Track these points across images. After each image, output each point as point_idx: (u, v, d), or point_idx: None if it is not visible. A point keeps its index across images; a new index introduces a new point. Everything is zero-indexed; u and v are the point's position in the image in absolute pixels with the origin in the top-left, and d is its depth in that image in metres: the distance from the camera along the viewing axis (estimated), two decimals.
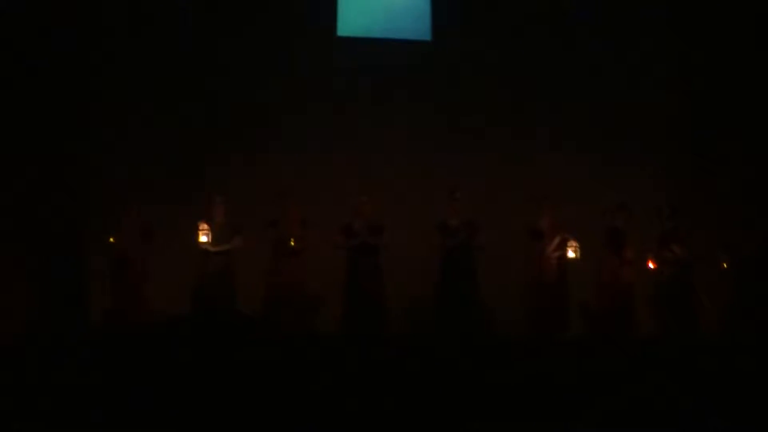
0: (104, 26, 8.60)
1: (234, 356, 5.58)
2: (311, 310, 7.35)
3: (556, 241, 7.51)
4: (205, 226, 7.18)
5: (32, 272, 7.11)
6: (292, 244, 7.36)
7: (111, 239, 7.20)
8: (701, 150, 9.08)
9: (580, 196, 8.26)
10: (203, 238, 7.15)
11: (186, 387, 5.31)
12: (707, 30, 9.08)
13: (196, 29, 8.76)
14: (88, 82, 8.51)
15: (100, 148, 8.41)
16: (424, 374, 5.65)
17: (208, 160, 8.46)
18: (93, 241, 7.24)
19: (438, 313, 7.38)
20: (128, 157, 8.37)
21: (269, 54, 8.87)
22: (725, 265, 7.50)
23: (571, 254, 7.40)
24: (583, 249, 7.41)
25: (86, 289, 7.10)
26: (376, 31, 9.28)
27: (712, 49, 9.06)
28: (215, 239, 7.22)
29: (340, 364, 5.76)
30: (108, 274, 7.16)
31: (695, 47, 9.15)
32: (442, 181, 8.47)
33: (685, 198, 8.39)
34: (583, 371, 5.75)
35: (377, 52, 9.14)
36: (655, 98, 9.13)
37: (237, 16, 8.87)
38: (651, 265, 7.46)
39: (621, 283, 7.43)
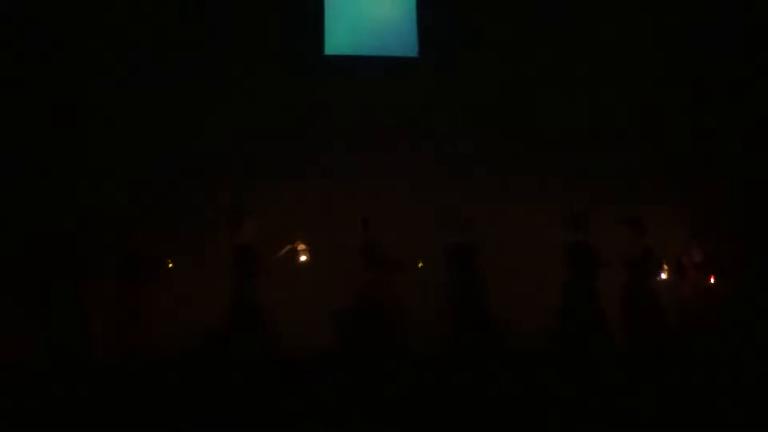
0: (106, 47, 8.67)
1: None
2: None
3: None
4: (304, 246, 7.07)
5: (32, 300, 7.08)
6: (420, 265, 7.37)
7: (170, 264, 7.17)
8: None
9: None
10: (303, 258, 7.06)
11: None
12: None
13: (188, 54, 8.82)
14: (94, 102, 8.58)
15: (101, 174, 8.43)
16: None
17: (205, 186, 8.50)
18: (94, 268, 7.22)
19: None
20: (129, 182, 8.40)
21: (257, 74, 8.93)
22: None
23: (663, 276, 7.58)
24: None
25: (87, 317, 7.06)
26: (364, 48, 9.38)
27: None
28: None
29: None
30: (120, 304, 7.05)
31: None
32: (431, 197, 8.64)
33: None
34: None
35: (365, 69, 9.21)
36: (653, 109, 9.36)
37: (225, 38, 8.93)
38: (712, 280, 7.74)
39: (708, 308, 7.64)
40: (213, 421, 5.51)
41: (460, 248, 7.38)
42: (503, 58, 9.28)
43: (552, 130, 9.17)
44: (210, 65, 8.89)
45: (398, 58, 9.37)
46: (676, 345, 7.27)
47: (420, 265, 7.39)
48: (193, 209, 8.17)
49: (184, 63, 8.81)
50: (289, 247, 7.11)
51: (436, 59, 9.32)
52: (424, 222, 8.15)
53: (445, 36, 9.33)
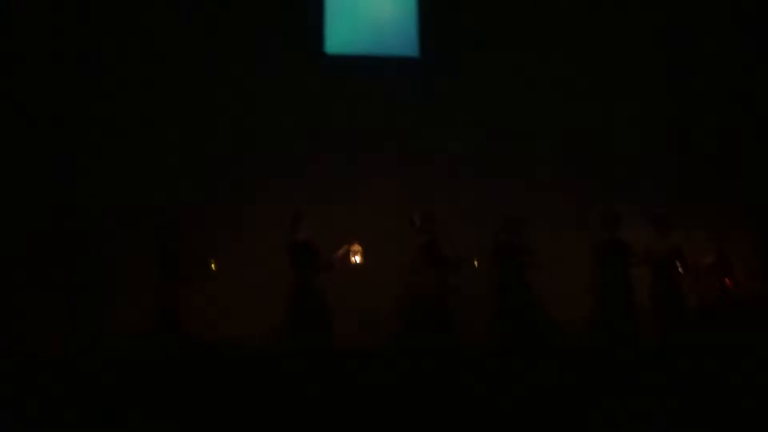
0: (107, 47, 8.69)
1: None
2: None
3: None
4: (359, 248, 7.04)
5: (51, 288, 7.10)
6: (477, 264, 7.27)
7: (213, 265, 7.15)
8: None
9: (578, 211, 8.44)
10: (356, 259, 7.02)
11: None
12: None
13: (189, 54, 8.82)
14: (96, 100, 8.61)
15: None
16: None
17: (205, 185, 8.50)
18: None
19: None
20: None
21: (257, 74, 8.92)
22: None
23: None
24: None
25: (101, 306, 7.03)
26: (364, 47, 9.36)
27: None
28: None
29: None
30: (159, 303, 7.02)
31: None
32: (431, 197, 8.63)
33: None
34: None
35: (365, 69, 9.19)
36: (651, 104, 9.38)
37: (225, 37, 8.92)
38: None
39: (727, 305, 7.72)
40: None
41: (507, 247, 7.37)
42: (504, 58, 9.27)
43: (554, 130, 9.17)
44: (210, 65, 8.86)
45: (399, 58, 9.37)
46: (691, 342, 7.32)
47: (476, 263, 7.35)
48: (192, 209, 8.13)
49: (185, 63, 8.79)
50: (346, 247, 7.11)
51: (437, 59, 9.32)
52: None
53: (446, 35, 9.33)
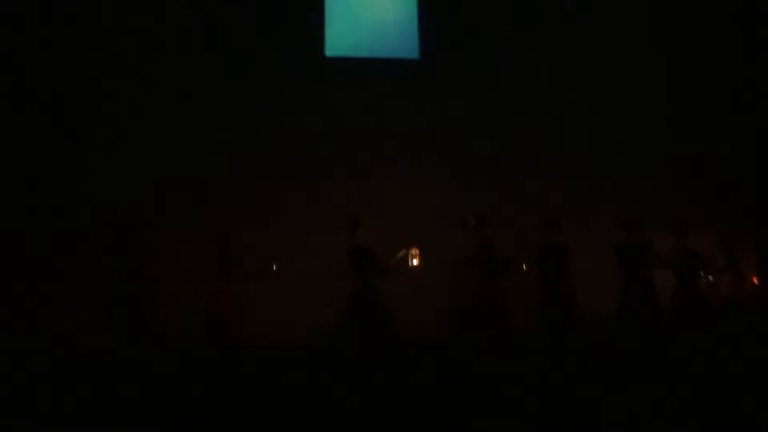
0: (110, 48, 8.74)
1: None
2: None
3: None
4: (417, 251, 6.98)
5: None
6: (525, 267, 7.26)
7: (275, 266, 7.08)
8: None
9: (580, 209, 8.46)
10: (415, 262, 6.96)
11: None
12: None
13: (190, 55, 8.87)
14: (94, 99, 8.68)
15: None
16: None
17: (204, 186, 8.49)
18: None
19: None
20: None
21: (258, 76, 8.95)
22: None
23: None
24: None
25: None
26: (364, 49, 9.39)
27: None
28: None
29: None
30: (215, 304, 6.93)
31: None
32: (431, 197, 8.65)
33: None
34: None
35: (366, 71, 9.22)
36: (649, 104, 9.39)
37: (226, 39, 8.96)
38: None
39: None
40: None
41: (549, 249, 7.30)
42: (504, 60, 9.29)
43: (554, 131, 9.18)
44: (211, 66, 8.91)
45: (399, 60, 9.38)
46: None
47: (524, 267, 7.31)
48: (190, 210, 8.18)
49: (185, 63, 8.83)
50: (404, 251, 7.09)
51: (438, 61, 9.34)
52: (426, 222, 8.16)
53: (447, 37, 9.35)
